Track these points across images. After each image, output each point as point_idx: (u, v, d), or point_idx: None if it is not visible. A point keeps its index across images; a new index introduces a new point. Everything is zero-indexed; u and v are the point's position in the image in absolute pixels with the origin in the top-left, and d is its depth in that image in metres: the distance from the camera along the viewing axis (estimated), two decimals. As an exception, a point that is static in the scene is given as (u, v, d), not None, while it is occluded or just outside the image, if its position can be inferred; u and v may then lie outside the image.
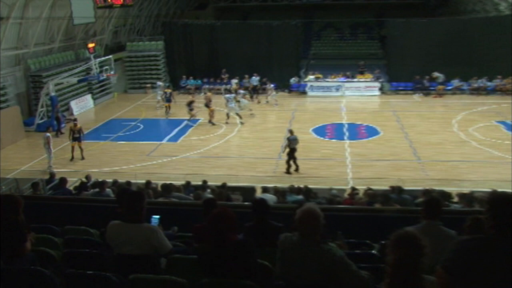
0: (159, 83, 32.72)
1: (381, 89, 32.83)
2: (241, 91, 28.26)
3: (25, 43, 26.72)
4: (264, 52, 34.71)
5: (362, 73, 33.80)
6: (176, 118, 27.29)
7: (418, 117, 26.33)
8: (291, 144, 18.10)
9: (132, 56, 36.36)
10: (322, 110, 29.00)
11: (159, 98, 29.94)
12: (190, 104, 26.35)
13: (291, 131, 18.70)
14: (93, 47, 27.89)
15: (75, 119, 22.35)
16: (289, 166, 18.12)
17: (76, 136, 20.74)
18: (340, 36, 40.88)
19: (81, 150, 20.78)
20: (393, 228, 3.43)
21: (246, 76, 33.12)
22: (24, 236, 4.72)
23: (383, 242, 5.98)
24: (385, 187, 13.58)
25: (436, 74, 31.69)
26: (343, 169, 18.65)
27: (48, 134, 19.82)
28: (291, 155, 18.13)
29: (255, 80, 32.98)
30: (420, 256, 3.16)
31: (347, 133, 23.44)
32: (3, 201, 4.91)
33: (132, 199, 4.89)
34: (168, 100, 28.23)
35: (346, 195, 13.43)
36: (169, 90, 29.13)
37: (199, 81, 35.21)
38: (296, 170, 18.18)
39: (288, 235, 4.20)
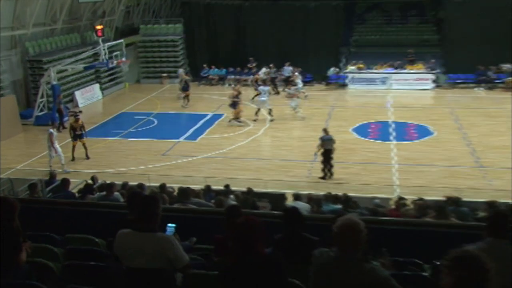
0: (180, 70, 32.97)
1: (435, 81, 32.41)
2: (264, 87, 27.11)
3: (22, 22, 26.97)
4: (298, 38, 34.72)
5: (412, 63, 33.40)
6: (195, 113, 27.46)
7: (480, 115, 25.87)
8: (325, 144, 18.05)
9: (146, 40, 36.86)
10: (365, 106, 28.77)
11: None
12: (237, 97, 25.53)
13: (325, 130, 18.69)
14: (102, 29, 28.10)
15: (79, 112, 22.65)
16: (324, 170, 18.11)
17: (78, 133, 20.95)
18: (388, 19, 40.34)
19: (85, 148, 21.02)
20: (449, 246, 3.36)
21: (272, 65, 33.06)
22: (18, 245, 4.75)
23: (436, 262, 5.89)
24: (438, 197, 13.35)
25: (505, 66, 30.99)
26: (388, 175, 18.48)
27: (51, 130, 20.11)
28: (326, 157, 18.07)
29: (287, 70, 32.86)
30: (483, 281, 3.08)
31: (393, 133, 23.21)
32: None
33: (144, 205, 4.92)
34: (185, 88, 28.43)
35: (391, 205, 13.29)
36: (186, 77, 29.39)
37: (223, 71, 35.38)
38: (330, 175, 18.14)
39: (324, 250, 4.17)
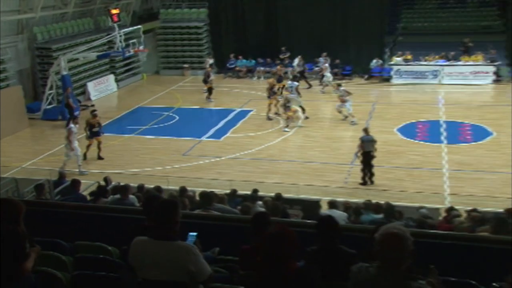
0: (210, 60, 33.10)
1: (496, 75, 31.90)
2: (292, 83, 26.27)
3: (30, 5, 27.46)
4: (337, 25, 34.51)
5: (469, 53, 32.91)
6: (220, 108, 27.58)
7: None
8: (365, 146, 18.01)
9: (166, 27, 37.20)
10: (412, 102, 28.53)
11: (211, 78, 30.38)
12: (272, 89, 25.70)
13: (366, 130, 18.68)
14: (118, 14, 28.45)
15: (91, 105, 22.94)
16: (365, 175, 18.07)
17: (95, 130, 21.12)
18: (442, 3, 39.81)
19: (99, 148, 21.25)
20: (510, 265, 3.32)
21: (300, 57, 33.09)
22: (24, 252, 4.81)
23: (496, 285, 5.80)
24: (497, 208, 13.20)
25: None
26: (438, 181, 18.32)
27: (72, 125, 20.22)
28: (366, 160, 18.07)
29: (322, 62, 32.90)
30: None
31: (445, 134, 22.98)
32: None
33: (162, 210, 4.96)
34: (205, 81, 28.61)
35: (441, 216, 13.16)
36: (208, 68, 29.59)
37: (252, 62, 35.48)
38: (370, 180, 18.14)
39: (364, 265, 4.16)
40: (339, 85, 25.68)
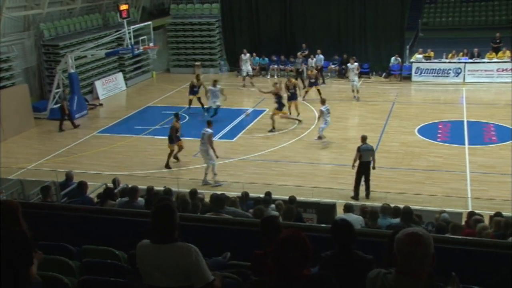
0: (246, 57, 33.12)
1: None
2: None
3: (37, 1, 27.71)
4: (355, 21, 34.41)
5: (497, 50, 32.55)
6: (233, 108, 27.58)
7: None
8: (363, 156, 17.54)
9: (177, 23, 37.31)
10: (433, 102, 28.44)
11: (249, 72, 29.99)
12: (293, 88, 25.52)
13: (364, 139, 17.93)
14: (127, 10, 28.59)
15: (100, 105, 23.04)
16: (357, 187, 17.52)
17: (179, 134, 20.73)
18: (467, -4, 39.38)
19: (174, 155, 20.67)
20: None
21: (284, 57, 33.53)
22: (29, 254, 4.83)
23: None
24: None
25: None
26: (460, 184, 18.24)
27: (209, 129, 18.96)
28: (362, 171, 17.48)
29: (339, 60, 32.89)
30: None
31: (467, 135, 22.86)
32: None
33: (156, 216, 4.96)
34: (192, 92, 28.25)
35: (463, 221, 13.09)
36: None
37: (266, 60, 35.47)
38: (367, 193, 17.49)
39: (381, 271, 4.15)
40: (324, 102, 22.60)
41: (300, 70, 32.61)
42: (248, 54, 33.08)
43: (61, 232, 7.63)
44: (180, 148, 20.92)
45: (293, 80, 26.67)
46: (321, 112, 21.82)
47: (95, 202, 12.99)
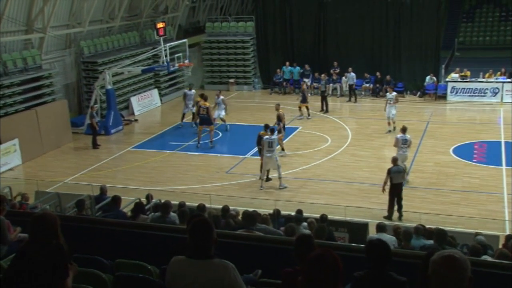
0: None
1: None
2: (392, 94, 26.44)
3: (78, 19, 28.29)
4: (389, 39, 34.27)
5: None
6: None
7: None
8: (394, 178, 17.32)
9: (212, 41, 37.63)
10: (470, 122, 28.14)
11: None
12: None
13: (394, 160, 17.73)
14: (163, 27, 28.91)
15: (135, 120, 23.25)
16: (391, 207, 17.34)
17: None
18: (504, 15, 38.92)
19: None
20: None
21: (318, 74, 33.39)
22: (66, 268, 4.88)
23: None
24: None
25: None
26: (497, 206, 17.96)
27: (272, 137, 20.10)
28: (395, 193, 17.30)
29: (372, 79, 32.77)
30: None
31: (505, 156, 22.52)
32: (36, 222, 5.07)
33: (193, 231, 4.97)
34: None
35: (500, 245, 12.86)
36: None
37: (297, 68, 35.55)
38: (399, 213, 17.31)
39: (414, 293, 4.09)
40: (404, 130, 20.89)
41: (325, 91, 31.11)
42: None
43: (94, 246, 7.69)
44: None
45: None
46: (397, 141, 20.23)
47: (128, 216, 13.10)
